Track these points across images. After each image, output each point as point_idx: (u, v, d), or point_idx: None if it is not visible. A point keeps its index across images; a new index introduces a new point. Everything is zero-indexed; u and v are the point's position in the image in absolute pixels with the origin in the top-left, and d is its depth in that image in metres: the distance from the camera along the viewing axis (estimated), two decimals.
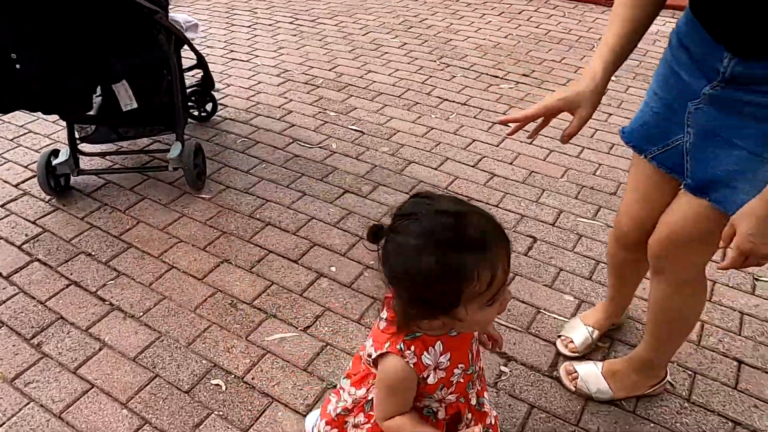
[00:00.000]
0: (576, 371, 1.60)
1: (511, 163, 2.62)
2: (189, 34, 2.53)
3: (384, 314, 1.05)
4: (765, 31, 0.97)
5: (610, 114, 3.07)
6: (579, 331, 1.72)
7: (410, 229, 0.91)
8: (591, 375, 1.58)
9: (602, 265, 2.04)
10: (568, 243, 2.14)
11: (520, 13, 4.58)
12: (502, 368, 1.65)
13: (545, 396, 1.58)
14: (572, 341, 1.71)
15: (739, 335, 1.78)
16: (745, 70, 1.03)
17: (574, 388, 1.58)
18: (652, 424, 1.51)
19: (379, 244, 0.95)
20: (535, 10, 4.63)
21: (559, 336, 1.74)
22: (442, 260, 0.88)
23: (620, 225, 1.47)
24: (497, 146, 2.76)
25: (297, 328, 1.77)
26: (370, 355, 1.05)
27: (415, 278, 0.91)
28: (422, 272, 0.89)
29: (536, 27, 4.30)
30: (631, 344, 1.73)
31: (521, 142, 2.79)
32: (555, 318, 1.82)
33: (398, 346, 1.00)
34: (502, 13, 4.59)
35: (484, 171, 2.56)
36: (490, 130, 2.90)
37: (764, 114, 1.04)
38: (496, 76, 3.50)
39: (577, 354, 1.69)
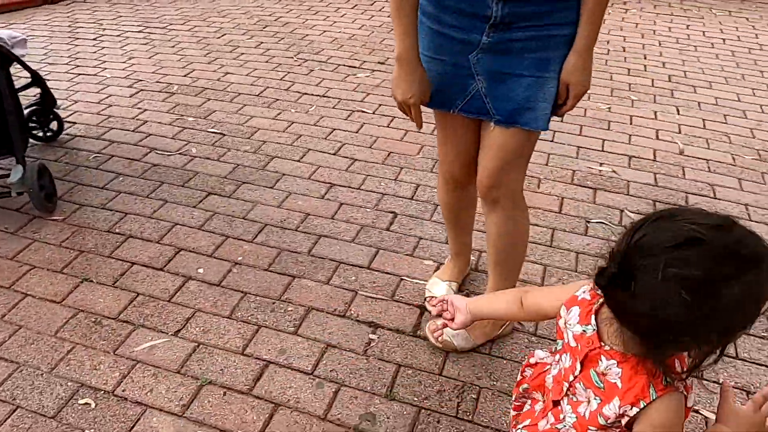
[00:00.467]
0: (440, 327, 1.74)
1: (370, 147, 2.74)
2: (17, 51, 2.39)
3: (612, 370, 0.90)
4: None
5: None
6: (440, 288, 1.87)
7: (702, 257, 0.76)
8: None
9: None
10: (425, 213, 2.29)
11: (372, 4, 4.74)
12: (371, 336, 1.75)
13: (411, 354, 1.70)
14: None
15: (575, 272, 2.01)
16: (510, 10, 1.25)
17: (440, 344, 1.71)
18: (505, 361, 1.68)
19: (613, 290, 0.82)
20: (385, 0, 4.81)
21: (425, 298, 1.87)
22: (755, 280, 0.77)
23: (449, 172, 1.64)
24: (356, 132, 2.87)
25: (167, 333, 1.76)
26: (622, 414, 0.88)
27: (730, 311, 0.77)
28: (738, 301, 0.76)
29: (388, 16, 4.46)
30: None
31: (379, 126, 2.92)
32: (417, 282, 1.95)
33: (663, 382, 0.86)
34: (356, 5, 4.73)
35: (345, 157, 2.66)
36: (349, 118, 3.00)
37: (531, 45, 1.29)
38: (353, 66, 3.61)
39: None
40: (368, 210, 2.31)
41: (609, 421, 0.90)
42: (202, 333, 1.76)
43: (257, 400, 1.56)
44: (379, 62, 3.67)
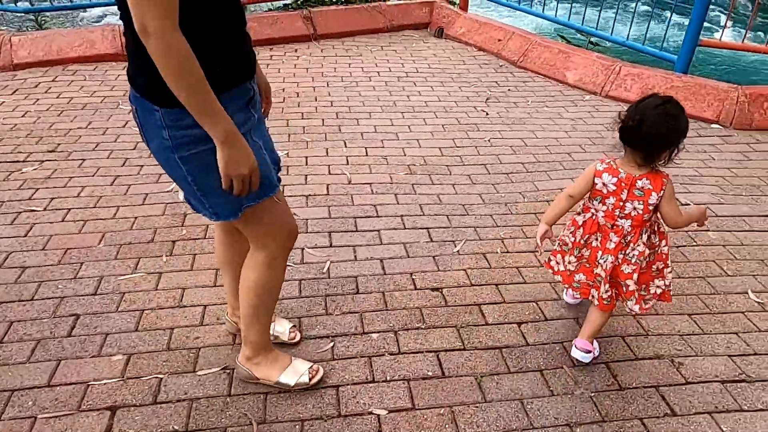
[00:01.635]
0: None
1: (43, 249, 2.55)
2: None
3: (645, 183, 1.79)
4: (249, 53, 1.53)
5: (142, 165, 3.27)
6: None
7: (673, 106, 1.72)
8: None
9: (147, 311, 2.20)
10: (111, 306, 2.23)
11: (36, 86, 4.38)
12: None
13: None
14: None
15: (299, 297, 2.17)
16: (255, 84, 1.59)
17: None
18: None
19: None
20: (52, 80, 4.49)
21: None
22: (684, 118, 1.75)
23: (294, 227, 1.71)
24: (25, 236, 2.63)
25: None
26: (660, 197, 1.79)
27: (682, 130, 1.74)
28: (686, 121, 1.75)
29: (57, 97, 4.19)
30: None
31: (52, 223, 2.73)
32: (106, 383, 1.89)
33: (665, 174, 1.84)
34: (16, 90, 4.31)
35: (13, 268, 2.43)
36: (16, 221, 2.74)
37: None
38: (17, 161, 3.30)
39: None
40: (45, 320, 2.15)
41: (654, 207, 1.81)
42: None
43: None
44: (48, 151, 3.42)
